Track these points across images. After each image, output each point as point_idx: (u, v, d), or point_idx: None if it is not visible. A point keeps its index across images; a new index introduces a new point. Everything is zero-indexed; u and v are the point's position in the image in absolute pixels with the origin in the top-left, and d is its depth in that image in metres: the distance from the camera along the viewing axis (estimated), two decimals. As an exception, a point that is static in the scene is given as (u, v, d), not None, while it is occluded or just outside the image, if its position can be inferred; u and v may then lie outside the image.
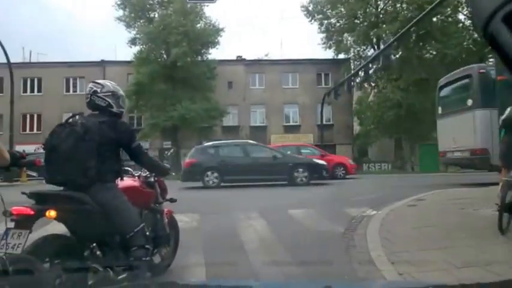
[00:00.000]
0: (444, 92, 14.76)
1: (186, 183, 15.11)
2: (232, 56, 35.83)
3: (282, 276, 4.05)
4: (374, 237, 5.47)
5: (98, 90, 3.35)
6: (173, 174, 4.50)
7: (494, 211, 6.30)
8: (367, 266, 4.21)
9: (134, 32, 32.98)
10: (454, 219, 6.55)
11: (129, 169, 3.95)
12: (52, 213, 2.87)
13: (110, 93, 3.38)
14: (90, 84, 3.45)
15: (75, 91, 33.71)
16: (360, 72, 26.82)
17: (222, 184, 15.44)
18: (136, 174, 3.95)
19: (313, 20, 33.79)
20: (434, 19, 29.06)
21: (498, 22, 0.53)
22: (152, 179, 3.91)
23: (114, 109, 3.38)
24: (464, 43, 30.91)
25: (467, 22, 31.73)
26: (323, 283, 1.27)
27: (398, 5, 31.56)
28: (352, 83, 27.66)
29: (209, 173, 15.49)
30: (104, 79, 4.63)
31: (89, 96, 3.36)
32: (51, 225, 3.61)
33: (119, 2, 32.63)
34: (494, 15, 0.54)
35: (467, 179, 15.50)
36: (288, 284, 2.63)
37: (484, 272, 3.68)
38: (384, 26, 30.57)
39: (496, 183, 6.80)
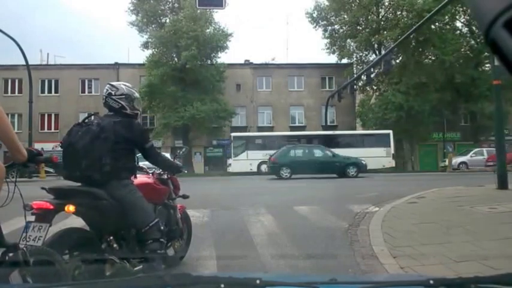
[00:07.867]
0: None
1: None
2: (240, 60, 36.72)
3: (289, 269, 4.20)
4: (376, 232, 5.57)
5: (113, 92, 3.43)
6: (185, 172, 4.49)
7: (489, 208, 7.18)
8: (370, 260, 4.30)
9: (146, 36, 33.98)
10: (452, 215, 6.71)
11: (144, 166, 3.98)
12: (71, 207, 2.92)
13: (123, 96, 3.44)
14: (106, 87, 3.53)
15: (90, 92, 34.70)
16: (362, 76, 28.06)
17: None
18: (150, 172, 4.02)
19: (317, 26, 34.64)
20: (433, 26, 29.74)
21: (499, 28, 0.53)
22: (165, 177, 4.00)
23: (128, 111, 3.44)
24: (462, 49, 31.82)
25: (465, 29, 32.90)
26: (328, 276, 1.27)
27: (398, 13, 32.25)
28: (355, 86, 28.61)
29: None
30: (118, 81, 4.95)
31: (104, 98, 3.45)
32: (70, 219, 3.66)
33: (131, 8, 33.69)
34: (495, 21, 0.53)
35: (463, 177, 16.66)
36: (294, 276, 2.69)
37: (481, 266, 3.74)
38: (385, 32, 31.39)
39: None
